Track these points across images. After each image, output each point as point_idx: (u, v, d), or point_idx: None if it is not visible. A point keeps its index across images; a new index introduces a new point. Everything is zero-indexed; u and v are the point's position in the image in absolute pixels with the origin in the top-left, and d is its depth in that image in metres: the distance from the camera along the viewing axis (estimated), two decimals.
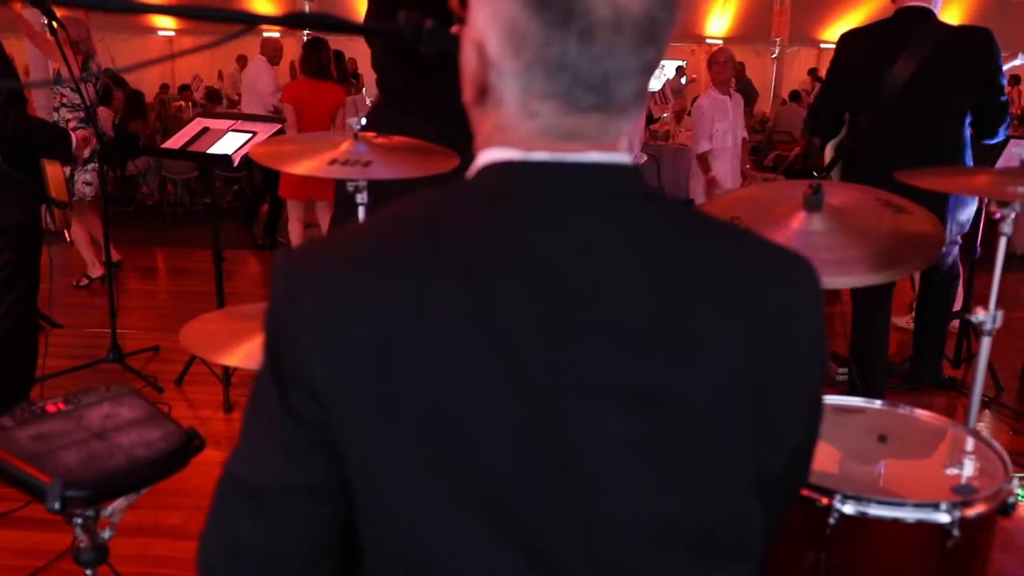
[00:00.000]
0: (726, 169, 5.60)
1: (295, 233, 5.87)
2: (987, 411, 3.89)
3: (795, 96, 11.81)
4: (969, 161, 3.20)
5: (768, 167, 8.43)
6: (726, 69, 5.56)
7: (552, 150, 0.76)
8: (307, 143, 1.97)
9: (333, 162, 1.83)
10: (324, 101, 5.48)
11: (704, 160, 5.53)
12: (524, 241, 0.73)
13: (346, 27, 1.06)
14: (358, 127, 1.93)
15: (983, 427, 3.74)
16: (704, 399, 0.74)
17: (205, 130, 3.57)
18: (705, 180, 5.54)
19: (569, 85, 0.73)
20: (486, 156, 0.79)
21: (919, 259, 1.86)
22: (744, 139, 5.93)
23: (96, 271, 5.58)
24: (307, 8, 14.70)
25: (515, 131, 0.77)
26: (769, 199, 2.09)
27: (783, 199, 2.03)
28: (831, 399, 1.90)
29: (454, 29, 1.14)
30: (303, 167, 1.86)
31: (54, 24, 3.32)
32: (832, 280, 1.80)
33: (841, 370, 4.11)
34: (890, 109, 3.11)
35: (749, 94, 12.12)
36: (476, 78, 0.78)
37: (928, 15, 3.16)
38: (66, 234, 4.62)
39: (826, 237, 1.88)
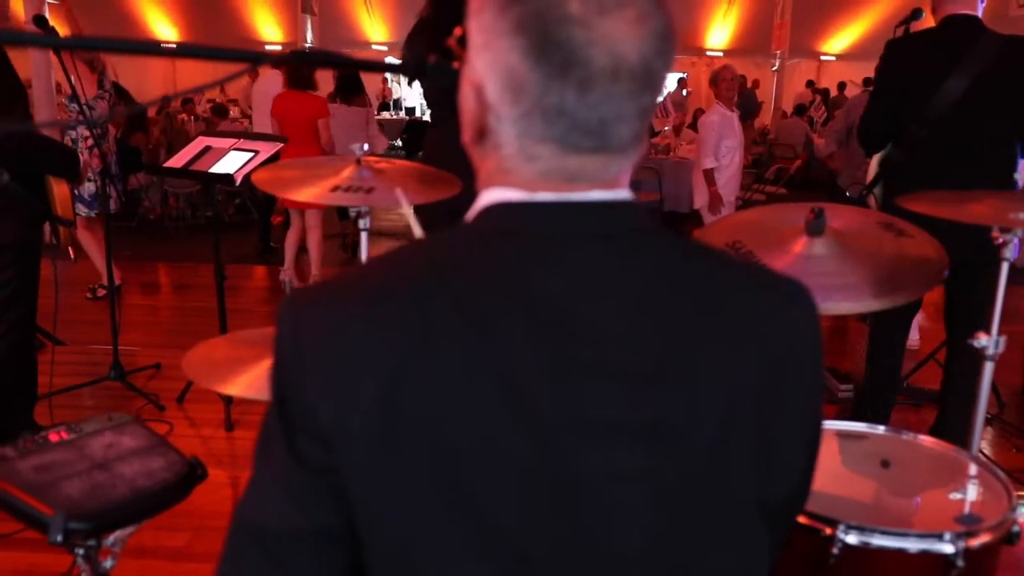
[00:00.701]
0: (731, 185, 5.61)
1: (291, 242, 5.90)
2: (989, 428, 3.88)
3: (800, 110, 11.82)
4: (1019, 177, 3.12)
5: (770, 180, 8.43)
6: (733, 86, 5.59)
7: (555, 190, 0.77)
8: (309, 168, 1.97)
9: (335, 188, 1.83)
10: (305, 112, 5.64)
11: (710, 175, 5.53)
12: (527, 281, 0.74)
13: (350, 63, 1.07)
14: (360, 152, 1.94)
15: (985, 445, 3.73)
16: (707, 433, 0.75)
17: (207, 149, 3.58)
18: (710, 194, 5.55)
19: (566, 130, 0.74)
20: (488, 196, 0.80)
21: (921, 284, 1.85)
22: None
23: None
24: (309, 27, 14.71)
25: (516, 173, 0.77)
26: (771, 223, 2.09)
27: (785, 223, 2.03)
28: (834, 424, 1.89)
29: (455, 64, 1.15)
30: (305, 194, 1.86)
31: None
32: (835, 306, 1.80)
33: (844, 386, 4.10)
34: (942, 123, 2.99)
35: (752, 107, 12.13)
36: (475, 120, 0.79)
37: (977, 25, 3.04)
38: (70, 251, 4.63)
39: (828, 262, 1.88)
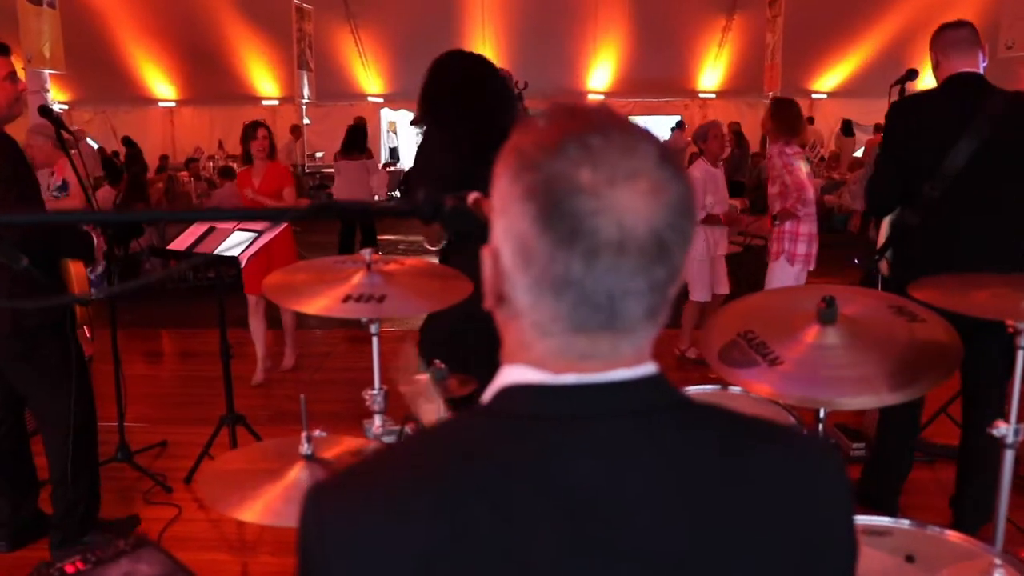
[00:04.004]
0: (718, 238, 5.62)
1: (258, 330, 5.57)
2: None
3: None
4: None
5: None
6: (722, 144, 5.63)
7: (578, 371, 0.76)
8: (319, 272, 1.97)
9: (347, 298, 1.82)
10: (268, 180, 5.42)
11: (713, 218, 5.52)
12: (553, 468, 0.73)
13: (365, 211, 1.07)
14: (369, 257, 1.93)
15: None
16: None
17: (211, 229, 3.59)
18: (729, 219, 5.62)
19: (574, 304, 0.73)
20: (512, 374, 0.79)
21: (937, 373, 1.84)
22: (733, 206, 5.95)
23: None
24: (305, 82, 14.82)
25: (534, 350, 0.77)
26: (782, 309, 2.08)
27: (797, 309, 2.02)
28: (859, 519, 1.86)
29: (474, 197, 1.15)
30: (316, 305, 1.84)
31: (62, 133, 3.38)
32: (851, 401, 1.79)
33: (856, 445, 4.07)
34: (956, 183, 2.97)
35: (743, 162, 12.20)
36: (494, 286, 0.79)
37: (982, 82, 3.05)
38: (86, 330, 4.59)
39: (842, 352, 1.86)
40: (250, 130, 5.42)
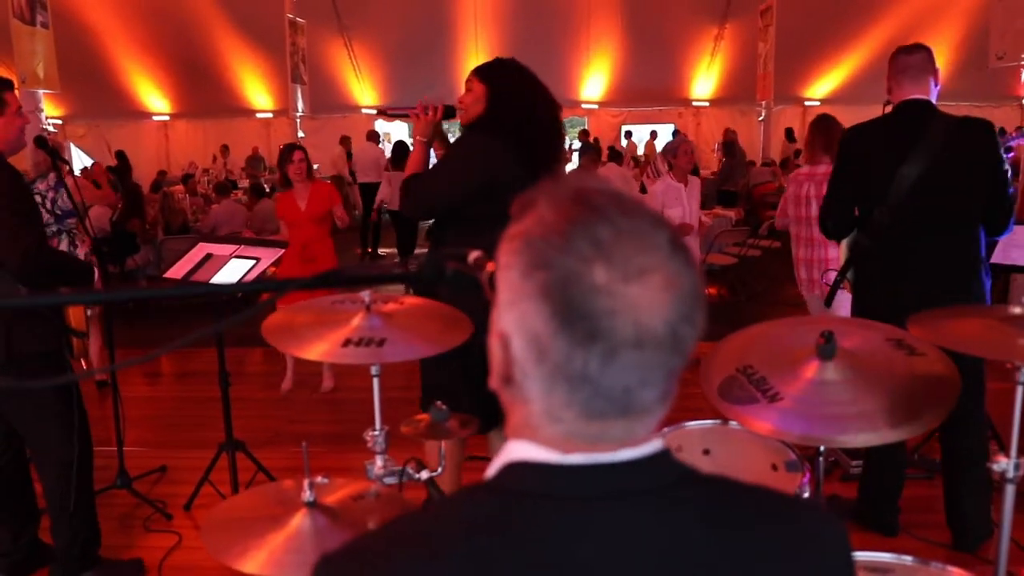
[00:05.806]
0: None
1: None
2: None
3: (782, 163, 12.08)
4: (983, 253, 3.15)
5: (763, 235, 8.48)
6: (691, 160, 5.71)
7: (585, 451, 0.77)
8: (319, 314, 1.96)
9: (347, 342, 1.82)
10: (316, 201, 5.27)
11: None
12: (559, 549, 0.74)
13: (374, 278, 1.07)
14: (368, 298, 1.92)
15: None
16: None
17: (208, 256, 3.58)
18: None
19: (589, 397, 0.74)
20: (519, 451, 0.80)
21: (937, 409, 1.84)
22: (701, 221, 5.92)
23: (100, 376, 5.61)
24: (299, 96, 14.79)
25: (543, 432, 0.78)
26: (781, 342, 2.08)
27: (796, 343, 2.02)
28: (861, 555, 1.87)
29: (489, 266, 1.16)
30: (316, 351, 1.83)
31: (58, 163, 3.37)
32: (852, 438, 1.79)
33: (855, 463, 4.06)
34: (903, 208, 3.05)
35: (738, 170, 12.24)
36: (502, 369, 0.80)
37: (930, 108, 3.11)
38: (82, 362, 4.56)
39: (841, 389, 1.87)
40: (286, 153, 5.25)
